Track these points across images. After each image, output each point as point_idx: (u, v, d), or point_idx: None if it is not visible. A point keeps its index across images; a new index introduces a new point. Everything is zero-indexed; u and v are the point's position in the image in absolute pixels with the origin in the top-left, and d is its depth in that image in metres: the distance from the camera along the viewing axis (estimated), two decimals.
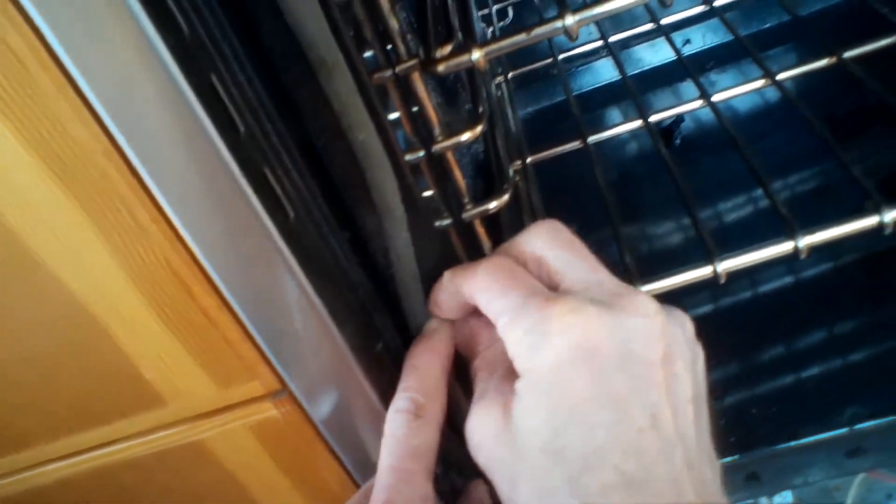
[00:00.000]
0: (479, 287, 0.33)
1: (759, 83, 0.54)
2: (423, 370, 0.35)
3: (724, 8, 0.73)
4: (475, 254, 0.45)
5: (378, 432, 0.38)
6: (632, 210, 0.77)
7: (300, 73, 0.32)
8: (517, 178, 0.53)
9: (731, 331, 0.59)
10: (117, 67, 0.26)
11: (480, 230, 0.44)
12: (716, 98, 0.54)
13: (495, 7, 0.76)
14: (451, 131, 0.40)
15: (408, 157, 0.40)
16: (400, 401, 0.33)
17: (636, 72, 0.93)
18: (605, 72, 0.94)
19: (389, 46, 0.38)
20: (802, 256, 0.40)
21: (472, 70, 0.39)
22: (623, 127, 0.55)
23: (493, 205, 0.43)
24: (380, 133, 0.33)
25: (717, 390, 0.54)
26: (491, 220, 0.48)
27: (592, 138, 0.54)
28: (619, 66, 0.61)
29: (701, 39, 0.90)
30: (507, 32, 0.37)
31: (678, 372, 0.29)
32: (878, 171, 0.70)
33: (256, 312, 0.33)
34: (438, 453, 0.33)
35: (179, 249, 0.31)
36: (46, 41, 0.25)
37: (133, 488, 0.42)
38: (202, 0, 0.29)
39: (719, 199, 0.74)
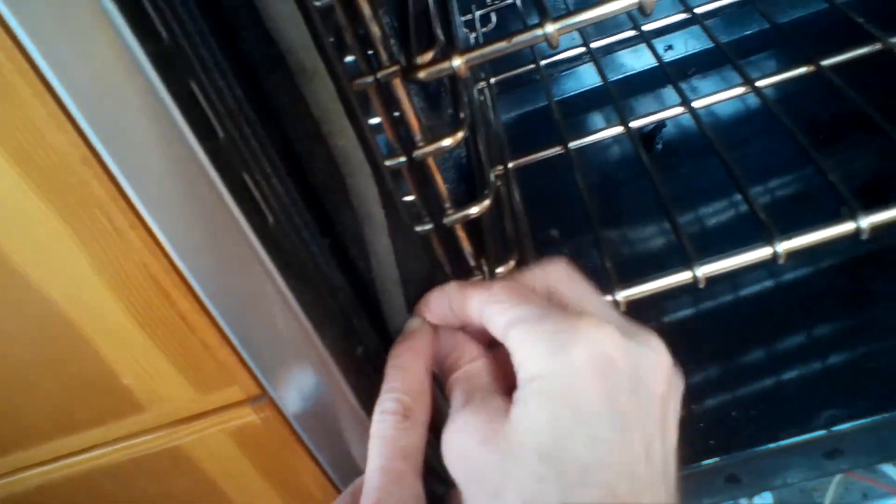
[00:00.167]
0: (493, 299, 0.33)
1: (740, 90, 0.55)
2: (409, 371, 0.34)
3: (706, 15, 0.73)
4: (456, 259, 0.46)
5: (359, 437, 0.38)
6: (615, 214, 0.77)
7: (280, 78, 0.32)
8: (499, 183, 0.54)
9: (712, 334, 0.59)
10: (95, 74, 0.26)
11: (462, 235, 0.45)
12: (696, 104, 0.54)
13: (478, 13, 0.76)
14: (433, 137, 0.40)
15: (389, 162, 0.40)
16: (387, 402, 0.33)
17: (619, 77, 0.94)
18: (588, 77, 0.94)
19: (371, 52, 0.38)
20: (781, 261, 0.41)
21: (453, 76, 0.39)
22: (604, 133, 0.56)
23: (474, 210, 0.43)
24: (360, 139, 0.33)
25: (698, 393, 0.55)
26: (473, 225, 0.48)
27: (573, 144, 0.54)
28: (601, 72, 0.61)
29: (683, 46, 0.91)
30: (489, 38, 0.37)
31: (671, 413, 0.30)
32: (858, 176, 0.71)
33: (235, 317, 0.33)
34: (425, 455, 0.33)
35: (158, 255, 0.31)
36: (24, 48, 0.25)
37: (112, 495, 0.41)
38: (181, 6, 0.29)
39: (701, 204, 0.74)
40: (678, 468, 0.30)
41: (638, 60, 0.93)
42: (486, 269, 0.44)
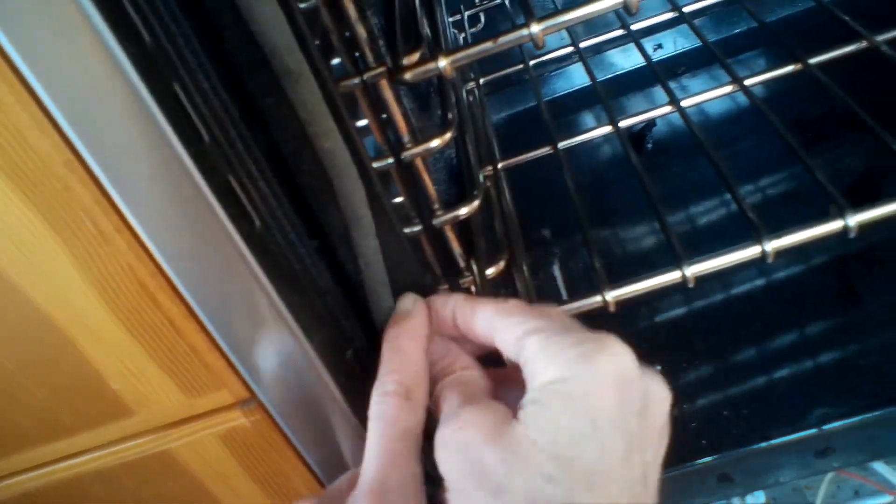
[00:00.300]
0: (509, 311, 0.33)
1: (728, 89, 0.55)
2: (407, 353, 0.34)
3: (694, 14, 0.73)
4: (446, 260, 0.46)
5: (349, 438, 0.38)
6: (607, 214, 0.77)
7: (265, 81, 0.31)
8: (488, 184, 0.54)
9: (704, 333, 0.59)
10: (77, 78, 0.26)
11: (451, 236, 0.45)
12: (685, 103, 0.54)
13: (467, 13, 0.76)
14: (424, 138, 0.40)
15: (377, 164, 0.40)
16: (388, 384, 0.33)
17: (610, 76, 0.94)
18: (579, 76, 0.94)
19: (358, 54, 0.38)
20: (770, 260, 0.41)
21: (441, 77, 0.39)
22: (593, 133, 0.56)
23: (463, 211, 0.43)
24: (346, 141, 0.33)
25: (690, 393, 0.55)
26: (462, 226, 0.48)
27: (563, 144, 0.54)
28: (589, 72, 0.61)
29: (672, 44, 0.91)
30: (478, 38, 0.37)
31: (661, 451, 0.31)
32: (848, 174, 0.71)
33: (222, 321, 0.33)
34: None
35: (144, 259, 0.31)
36: (6, 53, 0.25)
37: (102, 500, 0.41)
38: (165, 9, 0.29)
39: (692, 203, 0.74)
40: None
41: (628, 59, 0.93)
42: (475, 269, 0.44)
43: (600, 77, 0.94)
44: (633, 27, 0.69)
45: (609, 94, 0.91)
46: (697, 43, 0.89)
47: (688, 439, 0.52)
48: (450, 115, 0.41)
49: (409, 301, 0.37)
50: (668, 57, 0.92)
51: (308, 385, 0.36)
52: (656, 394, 0.30)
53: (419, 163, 0.41)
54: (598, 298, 0.41)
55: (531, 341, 0.31)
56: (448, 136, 0.40)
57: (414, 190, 0.43)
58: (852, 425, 0.49)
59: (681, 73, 0.89)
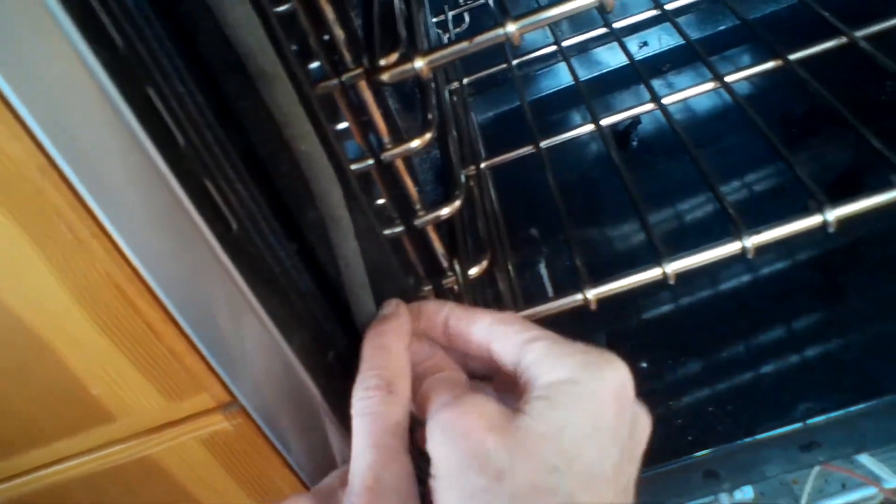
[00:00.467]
0: (509, 320, 0.34)
1: (710, 85, 0.55)
2: (388, 349, 0.34)
3: (678, 11, 0.74)
4: (429, 260, 0.46)
5: (333, 441, 0.38)
6: (595, 212, 0.77)
7: (240, 83, 0.31)
8: (471, 184, 0.54)
9: (690, 330, 0.59)
10: (48, 82, 0.26)
11: (434, 236, 0.45)
12: (666, 101, 0.54)
13: (451, 13, 0.76)
14: (408, 137, 0.40)
15: (356, 165, 0.40)
16: (370, 379, 0.33)
17: (597, 74, 0.94)
18: (566, 75, 0.94)
19: (337, 56, 0.38)
20: (750, 256, 0.41)
21: (420, 77, 0.39)
22: (575, 131, 0.56)
23: (444, 211, 0.43)
24: (323, 143, 0.33)
25: (675, 390, 0.55)
26: (446, 226, 0.48)
27: (545, 143, 0.54)
28: (572, 71, 0.61)
29: (657, 42, 0.91)
30: (461, 38, 0.37)
31: (636, 472, 0.32)
32: (833, 168, 0.71)
33: (201, 325, 0.33)
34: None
35: (121, 264, 0.31)
36: None
37: None
38: (138, 12, 0.29)
39: (679, 200, 0.75)
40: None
41: (614, 57, 0.93)
42: (458, 269, 0.44)
43: (588, 75, 0.95)
44: (617, 25, 0.69)
45: (597, 92, 0.92)
46: (682, 41, 0.90)
47: (673, 436, 0.52)
48: (430, 116, 0.41)
49: (392, 304, 0.37)
50: (654, 54, 0.93)
51: (289, 387, 0.36)
52: (643, 418, 0.32)
53: (400, 163, 0.41)
54: (579, 297, 0.41)
55: (536, 346, 0.32)
56: (428, 136, 0.40)
57: (395, 191, 0.43)
58: (836, 419, 0.49)
59: (665, 70, 0.89)
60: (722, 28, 0.91)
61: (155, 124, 0.28)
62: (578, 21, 0.93)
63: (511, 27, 0.34)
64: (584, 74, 0.95)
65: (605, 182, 0.80)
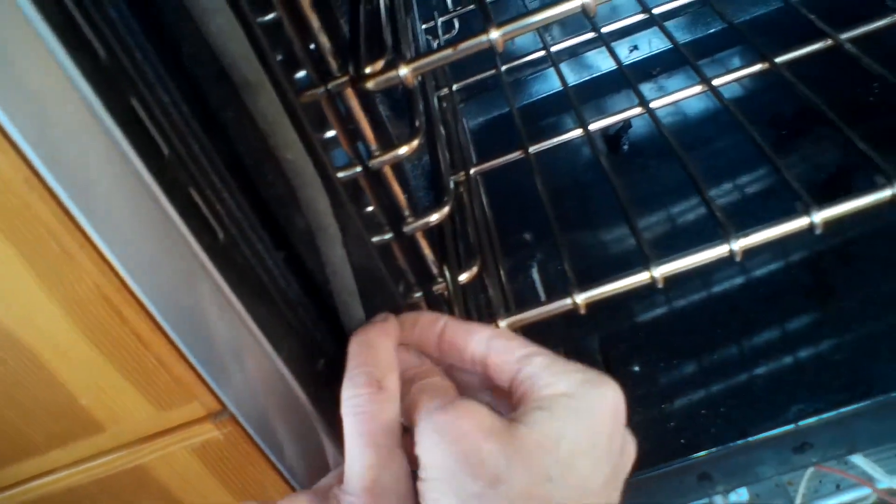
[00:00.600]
0: (507, 336, 0.34)
1: (697, 89, 0.55)
2: (376, 346, 0.34)
3: (667, 15, 0.74)
4: (419, 267, 0.46)
5: (323, 448, 0.38)
6: (588, 215, 0.77)
7: (225, 93, 0.32)
8: (461, 189, 0.54)
9: (682, 333, 0.59)
10: (31, 95, 0.26)
11: (423, 243, 0.45)
12: (654, 105, 0.54)
13: (441, 19, 0.76)
14: (394, 145, 0.40)
15: (345, 172, 0.40)
16: (358, 376, 0.32)
17: (589, 77, 0.95)
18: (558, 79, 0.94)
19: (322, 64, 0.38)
20: (738, 259, 0.41)
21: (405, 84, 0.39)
22: (564, 136, 0.56)
23: (433, 217, 0.43)
24: (309, 151, 0.33)
25: (668, 393, 0.55)
26: (436, 233, 0.48)
27: (534, 148, 0.55)
28: (560, 76, 0.62)
29: (647, 45, 0.91)
30: (446, 45, 0.37)
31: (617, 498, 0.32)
32: (824, 169, 0.71)
33: (189, 334, 0.33)
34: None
35: (108, 274, 0.31)
36: None
37: None
38: (121, 22, 0.29)
39: (671, 203, 0.75)
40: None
41: (606, 61, 0.93)
42: (448, 275, 0.44)
43: (581, 78, 0.95)
44: (606, 29, 0.70)
45: (590, 95, 0.92)
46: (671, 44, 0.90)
47: (667, 439, 0.52)
48: (417, 123, 0.41)
49: (382, 316, 0.37)
50: (644, 58, 0.93)
51: (279, 395, 0.36)
52: (630, 445, 0.32)
53: (388, 170, 0.41)
54: (568, 301, 0.41)
55: (535, 360, 0.32)
56: (415, 143, 0.40)
57: (384, 198, 0.43)
58: (828, 420, 0.49)
59: (656, 73, 0.90)
60: (712, 31, 0.92)
61: (139, 135, 0.28)
62: (570, 25, 0.93)
63: (494, 34, 0.34)
64: (577, 78, 0.95)
65: (598, 186, 0.80)
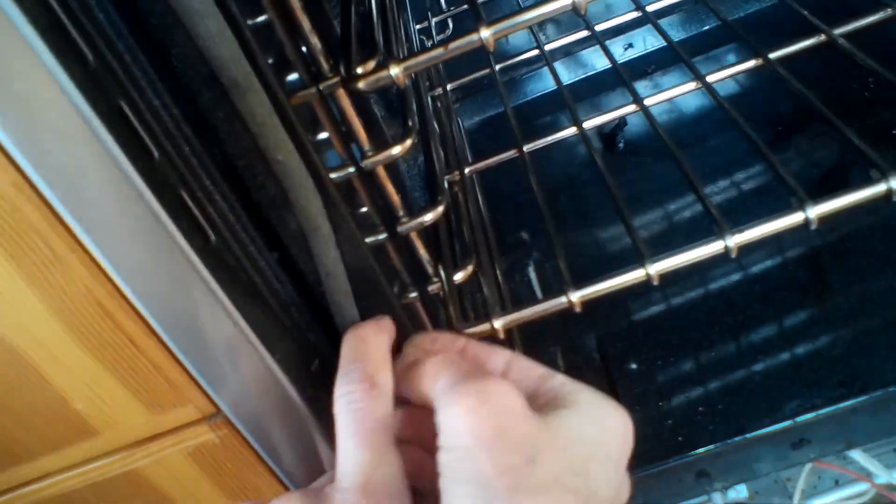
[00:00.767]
0: (531, 360, 0.35)
1: (691, 86, 0.55)
2: (368, 341, 0.34)
3: (661, 12, 0.74)
4: (415, 266, 0.46)
5: (320, 451, 0.38)
6: (585, 214, 0.77)
7: (215, 95, 0.31)
8: (456, 189, 0.54)
9: (679, 331, 0.59)
10: (19, 99, 0.26)
11: (418, 243, 0.45)
12: (648, 102, 0.54)
13: (434, 20, 0.76)
14: (389, 144, 0.40)
15: (338, 173, 0.40)
16: (351, 373, 0.32)
17: (586, 75, 0.94)
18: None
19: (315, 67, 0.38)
20: (733, 255, 0.41)
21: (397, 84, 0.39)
22: (558, 135, 0.56)
23: (428, 217, 0.43)
24: (300, 152, 0.33)
25: (666, 391, 0.55)
26: (431, 232, 0.48)
27: (528, 147, 0.54)
28: (554, 74, 0.61)
29: (642, 43, 0.91)
30: (437, 45, 0.37)
31: None
32: (820, 165, 0.71)
33: (183, 337, 0.33)
34: None
35: (100, 278, 0.31)
36: None
37: None
38: (110, 27, 0.29)
39: (668, 200, 0.75)
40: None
41: (602, 59, 0.93)
42: (443, 275, 0.44)
43: (577, 76, 0.95)
44: (600, 27, 0.69)
45: (587, 93, 0.92)
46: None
47: (664, 437, 0.52)
48: (410, 123, 0.41)
49: (376, 318, 0.37)
50: (639, 56, 0.93)
51: (274, 397, 0.36)
52: (627, 486, 0.32)
53: (381, 171, 0.41)
54: (563, 300, 0.41)
55: (558, 377, 0.33)
56: (408, 143, 0.40)
57: (378, 198, 0.43)
58: (826, 416, 0.49)
59: (651, 71, 0.90)
60: (707, 28, 0.92)
61: (129, 138, 0.28)
62: (564, 24, 0.93)
63: (485, 33, 0.34)
64: (574, 76, 0.95)
65: (595, 184, 0.80)
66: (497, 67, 0.67)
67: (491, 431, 0.28)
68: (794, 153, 0.75)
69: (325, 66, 0.37)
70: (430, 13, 0.77)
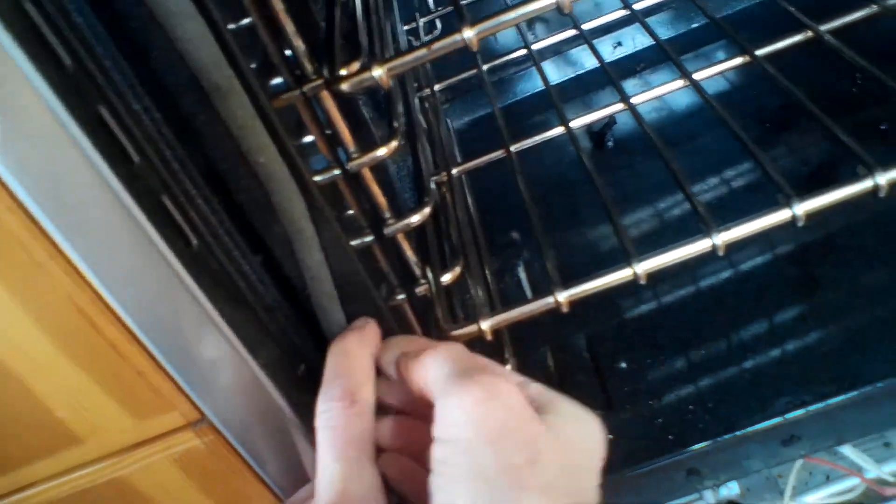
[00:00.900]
0: (476, 356, 0.35)
1: (679, 83, 0.55)
2: (352, 357, 0.34)
3: (650, 10, 0.74)
4: (402, 268, 0.45)
5: (307, 456, 0.38)
6: (576, 213, 0.77)
7: (195, 98, 0.31)
8: (444, 190, 0.53)
9: (667, 329, 0.59)
10: None
11: (405, 244, 0.44)
12: (637, 100, 0.54)
13: (422, 20, 0.76)
14: (377, 146, 0.40)
15: (323, 176, 0.40)
16: (332, 389, 0.32)
17: (576, 74, 0.94)
18: (548, 76, 0.94)
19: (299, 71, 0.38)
20: (720, 253, 0.41)
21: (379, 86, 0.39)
22: (544, 135, 0.56)
23: (414, 219, 0.42)
24: (283, 155, 0.33)
25: (656, 389, 0.55)
26: (418, 234, 0.48)
27: (515, 147, 0.54)
28: (542, 74, 0.61)
29: (632, 42, 0.91)
30: (421, 45, 0.37)
31: None
32: (809, 161, 0.71)
33: (166, 343, 0.32)
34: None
35: (81, 284, 0.31)
36: None
37: None
38: (88, 30, 0.28)
39: (659, 198, 0.74)
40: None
41: (592, 58, 0.92)
42: (430, 277, 0.44)
43: (568, 75, 0.95)
44: (589, 26, 0.69)
45: (577, 92, 0.92)
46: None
47: (654, 435, 0.52)
48: (395, 124, 0.41)
49: (361, 320, 0.37)
50: (629, 54, 0.93)
51: (260, 402, 0.35)
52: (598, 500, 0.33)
53: (367, 172, 0.41)
54: (550, 300, 0.41)
55: (534, 386, 0.33)
56: (394, 144, 0.40)
57: (365, 200, 0.43)
58: (815, 412, 0.49)
59: (640, 69, 0.90)
60: (695, 26, 0.91)
61: (108, 143, 0.28)
62: (553, 23, 0.93)
63: (468, 33, 0.34)
64: (563, 75, 0.95)
65: (586, 183, 0.79)
66: (485, 67, 0.67)
67: (497, 427, 0.28)
68: (783, 150, 0.75)
69: (308, 68, 0.37)
70: (417, 14, 0.76)
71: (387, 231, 0.42)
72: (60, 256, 0.29)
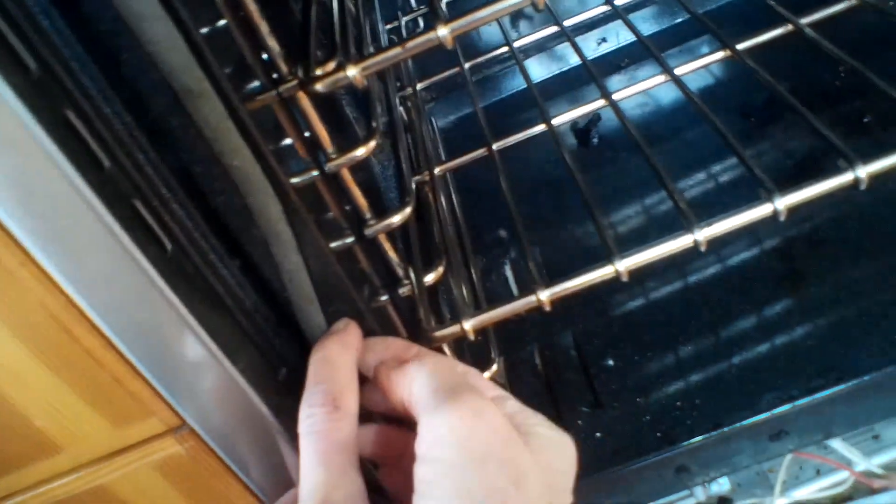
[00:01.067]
0: (458, 363, 0.37)
1: (660, 79, 0.55)
2: (334, 362, 0.34)
3: (631, 7, 0.73)
4: (384, 269, 0.45)
5: (289, 460, 0.38)
6: (562, 211, 0.77)
7: (167, 101, 0.31)
8: (427, 189, 0.53)
9: (654, 326, 0.59)
10: None
11: (387, 245, 0.44)
12: (619, 96, 0.54)
13: (405, 19, 0.76)
14: (353, 147, 0.39)
15: (301, 177, 0.40)
16: (314, 395, 0.32)
17: (561, 71, 0.94)
18: (534, 72, 0.94)
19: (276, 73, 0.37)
20: (702, 249, 0.41)
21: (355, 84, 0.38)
22: (527, 132, 0.55)
23: (395, 219, 0.42)
24: (257, 157, 0.32)
25: (644, 387, 0.55)
26: (401, 234, 0.48)
27: (497, 145, 0.54)
28: (524, 71, 0.61)
29: (616, 38, 0.91)
30: (396, 44, 0.37)
31: None
32: (793, 155, 0.71)
33: (142, 349, 0.32)
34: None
35: (54, 292, 0.30)
36: None
37: None
38: (56, 34, 0.28)
39: (644, 195, 0.74)
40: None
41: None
42: (412, 277, 0.44)
43: (554, 71, 0.94)
44: (572, 22, 0.69)
45: (564, 89, 0.92)
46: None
47: (643, 433, 0.52)
48: (374, 124, 0.41)
49: (342, 322, 0.37)
50: (613, 50, 0.92)
51: (239, 407, 0.35)
52: None
53: (346, 173, 0.40)
54: (532, 298, 0.40)
55: (511, 402, 0.34)
56: (372, 144, 0.39)
57: (345, 201, 0.42)
58: (803, 407, 0.49)
59: (625, 65, 0.89)
60: (680, 20, 0.91)
61: (75, 148, 0.27)
62: (538, 19, 0.93)
63: (443, 30, 0.34)
64: (549, 72, 0.95)
65: (573, 180, 0.80)
66: (469, 65, 0.67)
67: (482, 449, 0.28)
68: (769, 144, 0.75)
69: (283, 69, 0.36)
70: (400, 13, 0.76)
71: (367, 232, 0.42)
72: (32, 264, 0.29)
